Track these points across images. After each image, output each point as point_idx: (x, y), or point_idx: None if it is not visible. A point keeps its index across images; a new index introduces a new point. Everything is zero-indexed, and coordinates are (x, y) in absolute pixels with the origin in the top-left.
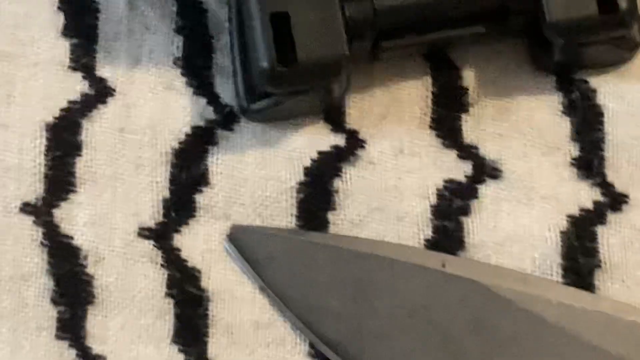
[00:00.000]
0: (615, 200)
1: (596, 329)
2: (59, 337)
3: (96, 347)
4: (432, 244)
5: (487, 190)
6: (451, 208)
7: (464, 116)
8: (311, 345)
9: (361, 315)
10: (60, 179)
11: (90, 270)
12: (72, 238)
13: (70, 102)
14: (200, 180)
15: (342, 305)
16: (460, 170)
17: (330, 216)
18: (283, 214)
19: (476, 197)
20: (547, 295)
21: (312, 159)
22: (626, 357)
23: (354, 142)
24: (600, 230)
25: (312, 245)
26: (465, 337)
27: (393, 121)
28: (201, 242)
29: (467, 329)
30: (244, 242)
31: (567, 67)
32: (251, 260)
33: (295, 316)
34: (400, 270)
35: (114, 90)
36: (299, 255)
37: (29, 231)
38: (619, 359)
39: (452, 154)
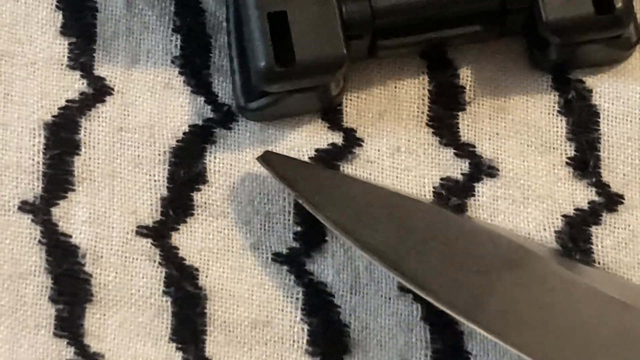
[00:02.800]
0: (610, 201)
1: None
2: (57, 335)
3: (94, 345)
4: None
5: (484, 188)
6: (448, 206)
7: (461, 115)
8: (309, 343)
9: (401, 229)
10: (58, 178)
11: (88, 268)
12: (70, 236)
13: (68, 100)
14: (198, 178)
15: (381, 218)
16: (457, 168)
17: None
18: (281, 212)
19: (473, 196)
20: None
21: (309, 157)
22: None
23: (352, 141)
24: (595, 230)
25: (344, 177)
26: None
27: (390, 119)
28: (199, 241)
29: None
30: (275, 164)
31: (563, 66)
32: (284, 176)
33: (332, 222)
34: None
35: (112, 89)
36: (330, 182)
37: (28, 229)
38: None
39: (449, 153)
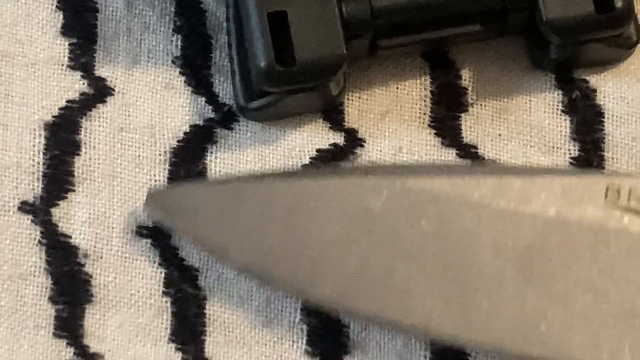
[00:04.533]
0: None
1: (527, 196)
2: (56, 335)
3: (94, 346)
4: None
5: None
6: None
7: (463, 116)
8: (308, 343)
9: (300, 243)
10: (58, 178)
11: (88, 269)
12: (70, 237)
13: (69, 101)
14: (199, 179)
15: (279, 238)
16: None
17: None
18: None
19: None
20: (473, 178)
21: (310, 158)
22: (563, 214)
23: (353, 141)
24: None
25: (234, 186)
26: (409, 237)
27: (392, 120)
28: None
29: (407, 228)
30: (164, 203)
31: (565, 65)
32: (176, 217)
33: (236, 263)
34: (325, 189)
35: (113, 89)
36: (223, 201)
37: (27, 230)
38: (556, 218)
39: (452, 154)
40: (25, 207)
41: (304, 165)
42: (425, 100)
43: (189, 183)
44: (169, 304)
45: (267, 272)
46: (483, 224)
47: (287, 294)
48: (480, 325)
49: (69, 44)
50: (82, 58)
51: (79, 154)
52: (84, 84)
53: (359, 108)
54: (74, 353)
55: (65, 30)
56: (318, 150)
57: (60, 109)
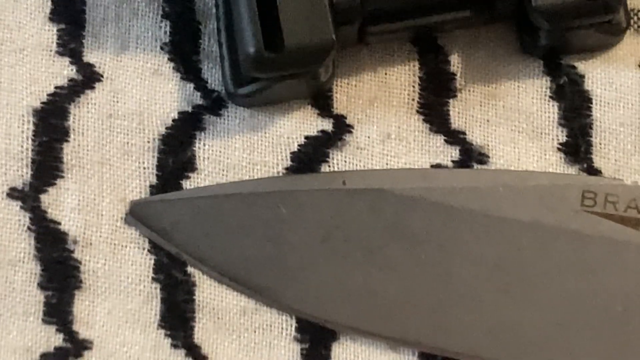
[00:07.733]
0: None
1: (504, 201)
2: (46, 321)
3: (83, 332)
4: None
5: None
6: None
7: (451, 101)
8: (297, 330)
9: (279, 253)
10: (47, 164)
11: (77, 255)
12: (59, 223)
13: (57, 87)
14: (188, 165)
15: (258, 249)
16: (448, 155)
17: None
18: None
19: None
20: (450, 183)
21: (299, 144)
22: (539, 220)
23: (342, 127)
24: None
25: (213, 199)
26: (385, 245)
27: (381, 106)
28: None
29: (384, 237)
30: (146, 215)
31: (554, 51)
32: (158, 229)
33: (216, 272)
34: (304, 199)
35: (102, 75)
36: (203, 213)
37: (16, 216)
38: (532, 224)
39: (440, 139)
40: (14, 194)
41: (292, 153)
42: (413, 86)
43: (170, 194)
44: (158, 290)
45: (247, 282)
46: (460, 231)
47: (266, 304)
48: (457, 335)
49: (58, 30)
50: (70, 44)
51: (67, 141)
52: (72, 70)
53: (348, 94)
54: (63, 339)
55: (54, 16)
56: (306, 137)
57: (48, 95)
